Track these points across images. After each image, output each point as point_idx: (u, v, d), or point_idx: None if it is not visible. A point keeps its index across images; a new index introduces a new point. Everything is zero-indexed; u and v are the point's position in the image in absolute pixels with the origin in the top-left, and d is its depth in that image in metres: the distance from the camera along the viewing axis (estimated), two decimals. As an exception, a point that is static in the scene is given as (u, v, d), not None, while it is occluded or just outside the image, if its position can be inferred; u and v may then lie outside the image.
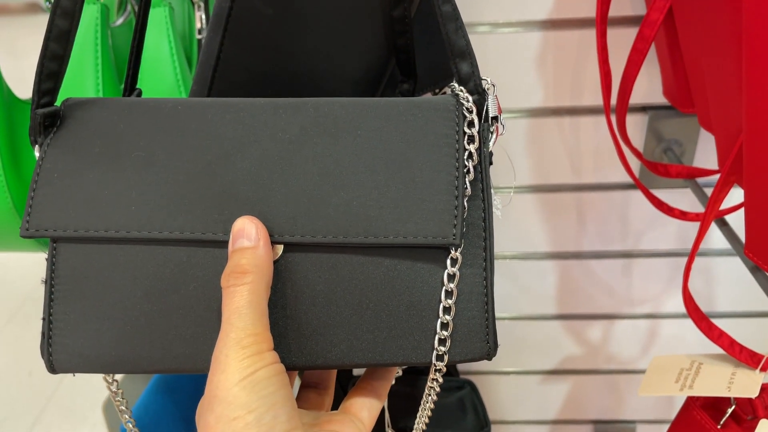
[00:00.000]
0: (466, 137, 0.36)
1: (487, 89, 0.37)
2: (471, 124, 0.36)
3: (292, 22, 0.45)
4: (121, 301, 0.35)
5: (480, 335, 0.35)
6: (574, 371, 0.87)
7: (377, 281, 0.35)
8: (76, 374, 0.37)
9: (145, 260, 0.35)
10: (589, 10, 0.64)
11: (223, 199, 0.35)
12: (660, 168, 0.65)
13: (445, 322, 0.34)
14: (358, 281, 0.35)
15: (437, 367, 0.35)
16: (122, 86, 0.66)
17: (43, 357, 0.36)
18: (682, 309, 0.82)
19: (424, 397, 0.39)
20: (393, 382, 0.41)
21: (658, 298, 0.81)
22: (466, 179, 0.35)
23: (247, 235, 0.33)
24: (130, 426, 0.40)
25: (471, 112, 0.36)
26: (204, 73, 0.48)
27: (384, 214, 0.34)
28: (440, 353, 0.34)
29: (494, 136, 0.37)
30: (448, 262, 0.35)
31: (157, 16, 0.61)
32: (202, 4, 0.71)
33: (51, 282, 0.36)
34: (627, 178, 0.73)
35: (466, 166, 0.35)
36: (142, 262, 0.35)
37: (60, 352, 0.36)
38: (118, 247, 0.35)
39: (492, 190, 0.37)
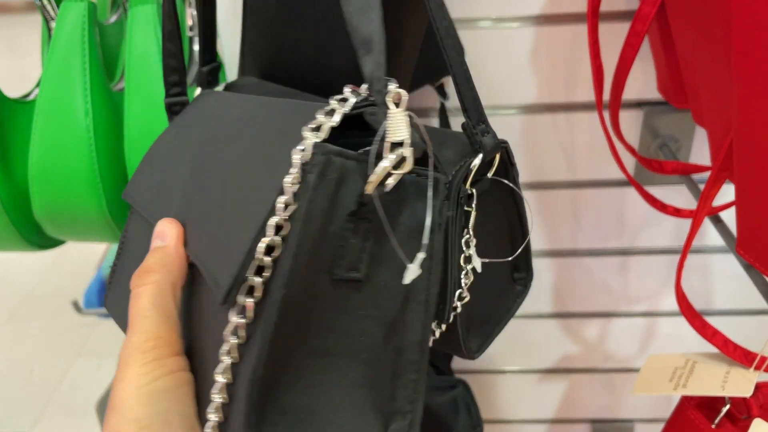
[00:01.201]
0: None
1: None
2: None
3: (287, 13, 0.44)
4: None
5: None
6: (571, 370, 0.86)
7: None
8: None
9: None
10: (582, 5, 0.63)
11: (169, 191, 0.37)
12: (654, 164, 0.64)
13: None
14: None
15: None
16: (111, 84, 0.66)
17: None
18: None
19: None
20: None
21: (656, 296, 0.81)
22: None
23: (161, 235, 0.33)
24: None
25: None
26: (240, 60, 0.50)
27: None
28: None
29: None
30: None
31: (144, 14, 0.61)
32: (193, 1, 0.71)
33: (120, 243, 0.41)
34: (623, 175, 0.72)
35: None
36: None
37: (110, 294, 0.41)
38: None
39: None
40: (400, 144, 0.26)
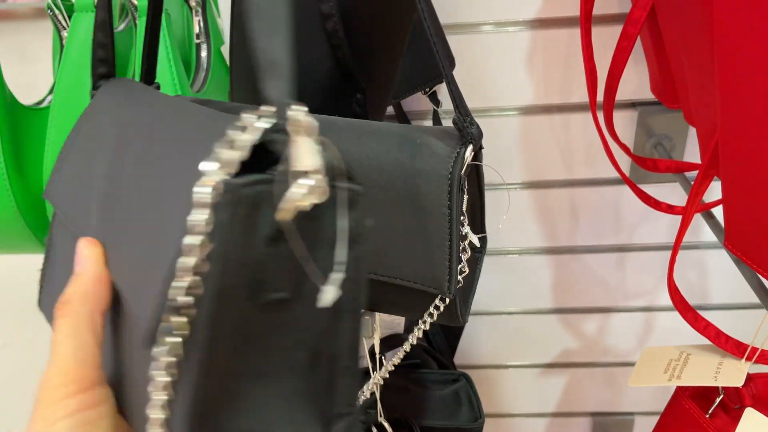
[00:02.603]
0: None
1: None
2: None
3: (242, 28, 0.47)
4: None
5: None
6: (571, 364, 0.88)
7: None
8: None
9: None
10: (576, 9, 0.65)
11: (92, 200, 0.35)
12: (649, 163, 0.66)
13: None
14: None
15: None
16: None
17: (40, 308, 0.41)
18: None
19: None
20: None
21: (653, 291, 0.82)
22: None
23: (80, 260, 0.32)
24: None
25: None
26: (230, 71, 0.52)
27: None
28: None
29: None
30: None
31: (153, 23, 0.63)
32: (199, 9, 0.73)
33: (47, 245, 0.41)
34: (616, 173, 0.74)
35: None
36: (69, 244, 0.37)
37: (43, 297, 0.41)
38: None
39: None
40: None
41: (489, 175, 0.74)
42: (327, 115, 0.44)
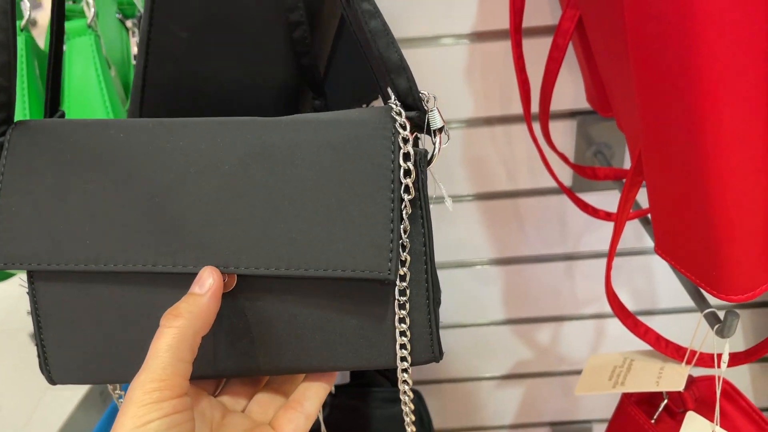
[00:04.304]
0: (402, 156, 0.36)
1: (428, 102, 0.37)
2: (407, 142, 0.36)
3: (205, 44, 0.46)
4: (99, 326, 0.39)
5: (427, 345, 0.39)
6: (527, 375, 0.88)
7: (334, 303, 0.38)
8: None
9: (107, 291, 0.38)
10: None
11: (170, 232, 0.36)
12: (588, 171, 0.67)
13: (402, 330, 0.38)
14: (315, 303, 0.37)
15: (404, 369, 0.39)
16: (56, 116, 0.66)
17: (43, 374, 0.40)
18: (627, 307, 0.83)
19: (402, 406, 0.41)
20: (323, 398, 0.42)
21: (603, 298, 0.83)
22: (404, 212, 0.36)
23: (201, 283, 0.35)
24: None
25: (405, 128, 0.36)
26: (135, 95, 0.49)
27: (325, 248, 0.36)
28: (403, 355, 0.38)
29: (437, 147, 0.38)
30: (396, 291, 0.37)
31: (82, 45, 0.61)
32: (136, 30, 0.72)
33: (36, 312, 0.39)
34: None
35: (402, 200, 0.36)
36: (104, 292, 0.38)
37: (57, 369, 0.40)
38: (82, 278, 0.38)
39: (444, 199, 0.40)
40: (439, 129, 0.37)
41: (435, 188, 0.74)
42: None
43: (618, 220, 0.51)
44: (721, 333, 0.49)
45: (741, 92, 0.35)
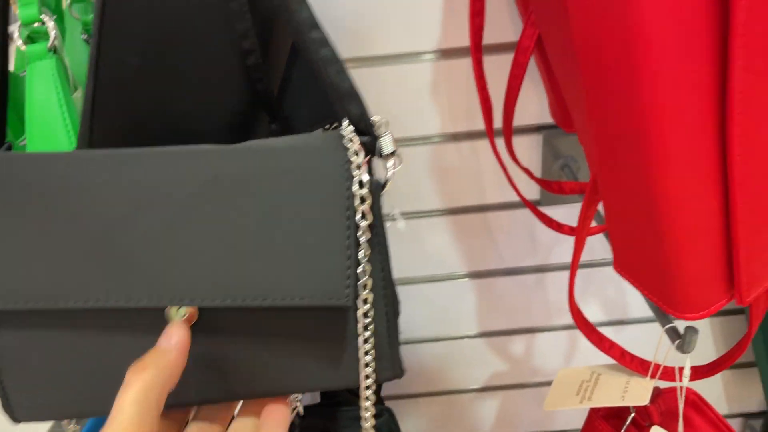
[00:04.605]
0: (357, 183, 0.36)
1: (380, 127, 0.38)
2: (360, 168, 0.37)
3: (157, 71, 0.45)
4: (59, 364, 0.38)
5: (389, 363, 0.40)
6: (502, 387, 0.88)
7: (297, 328, 0.38)
8: None
9: (63, 329, 0.38)
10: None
11: (123, 267, 0.36)
12: (554, 186, 0.67)
13: (366, 350, 0.38)
14: (277, 329, 0.38)
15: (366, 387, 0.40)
16: (18, 140, 0.66)
17: (6, 413, 0.40)
18: (599, 317, 0.84)
19: (362, 423, 0.41)
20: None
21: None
22: (362, 238, 0.36)
23: (168, 337, 0.35)
24: None
25: (358, 155, 0.37)
26: (85, 122, 0.49)
27: (281, 277, 0.36)
28: (367, 374, 0.39)
29: (389, 172, 0.38)
30: (360, 314, 0.38)
31: (42, 69, 0.61)
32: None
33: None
34: (530, 196, 0.75)
35: (357, 226, 0.36)
36: (60, 330, 0.38)
37: (19, 408, 0.39)
38: (36, 317, 0.37)
39: (395, 219, 0.41)
40: (391, 153, 0.38)
41: (405, 204, 0.74)
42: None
43: (577, 238, 0.51)
44: (681, 348, 0.49)
45: (685, 114, 0.35)
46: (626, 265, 0.46)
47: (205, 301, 0.35)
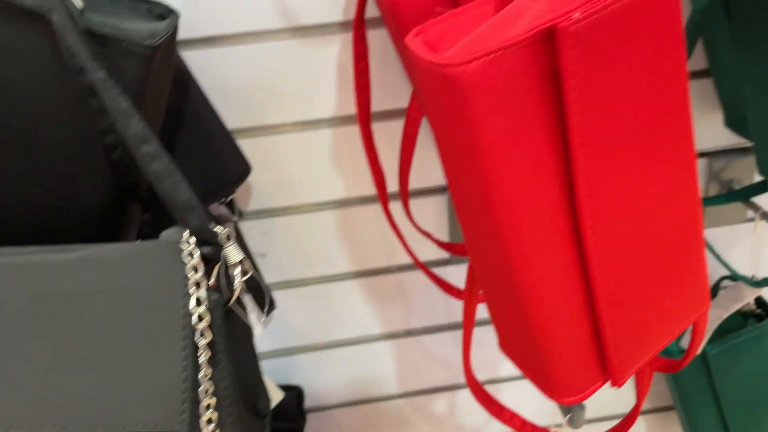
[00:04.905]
0: (195, 300, 0.35)
1: (223, 238, 0.36)
2: (200, 285, 0.35)
3: (12, 165, 0.44)
4: None
5: None
6: (427, 445, 0.87)
7: None
8: None
9: None
10: (372, 106, 0.66)
11: None
12: (457, 248, 0.67)
13: None
14: None
15: None
16: None
17: None
18: (516, 371, 0.84)
19: None
20: None
21: (494, 364, 0.83)
22: (201, 357, 0.35)
23: None
24: None
25: (197, 271, 0.35)
26: None
27: (115, 404, 0.34)
28: None
29: (236, 282, 0.37)
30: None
31: None
32: None
33: None
34: (440, 255, 0.75)
35: (197, 346, 0.35)
36: None
37: None
38: None
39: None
40: (239, 262, 0.36)
41: (315, 268, 0.73)
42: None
43: (467, 302, 0.51)
44: (571, 423, 0.49)
45: (534, 216, 0.35)
46: (508, 349, 0.46)
47: (23, 428, 0.33)
